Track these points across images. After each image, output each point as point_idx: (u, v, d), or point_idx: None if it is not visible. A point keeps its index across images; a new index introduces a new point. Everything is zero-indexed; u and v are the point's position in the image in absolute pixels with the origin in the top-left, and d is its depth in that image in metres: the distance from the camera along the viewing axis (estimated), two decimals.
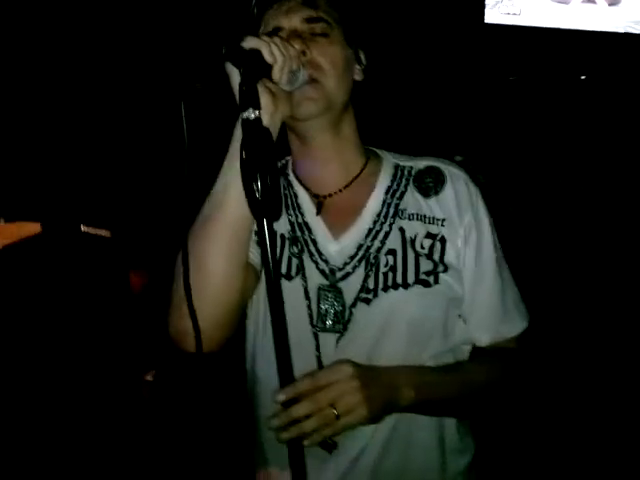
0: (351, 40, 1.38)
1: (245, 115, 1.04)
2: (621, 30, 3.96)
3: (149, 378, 3.63)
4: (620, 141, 3.91)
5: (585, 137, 3.91)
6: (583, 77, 3.92)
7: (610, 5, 3.95)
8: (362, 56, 1.42)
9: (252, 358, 1.40)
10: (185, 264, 1.13)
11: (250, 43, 1.11)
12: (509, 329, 1.40)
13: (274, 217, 1.04)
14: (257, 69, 1.08)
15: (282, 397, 1.09)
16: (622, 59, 3.90)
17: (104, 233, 3.51)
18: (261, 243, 1.04)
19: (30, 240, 3.15)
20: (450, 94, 3.90)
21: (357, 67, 1.41)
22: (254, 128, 1.03)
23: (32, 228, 3.32)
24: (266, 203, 1.01)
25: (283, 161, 1.50)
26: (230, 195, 1.18)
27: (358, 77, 1.41)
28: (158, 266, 3.72)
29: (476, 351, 1.40)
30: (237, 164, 1.07)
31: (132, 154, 3.73)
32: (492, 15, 3.89)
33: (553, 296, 3.22)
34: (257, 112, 1.04)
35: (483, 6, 3.83)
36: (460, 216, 1.35)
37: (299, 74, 1.19)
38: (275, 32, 1.31)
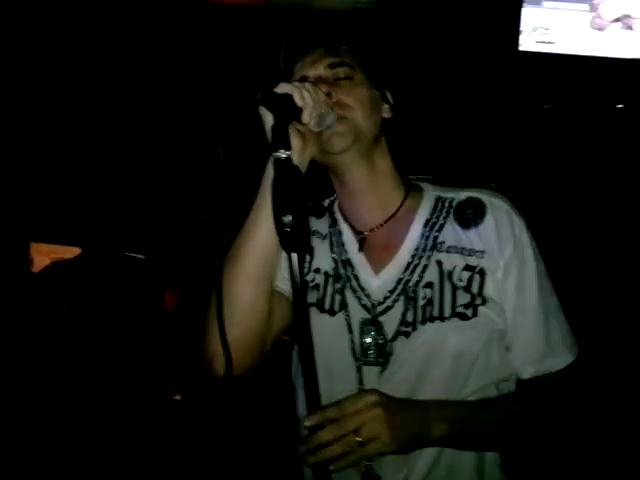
0: (375, 82, 1.43)
1: (277, 155, 1.11)
2: None
3: (178, 398, 3.68)
4: None
5: (621, 166, 3.87)
6: (620, 106, 3.89)
7: None
8: (389, 95, 1.47)
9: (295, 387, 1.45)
10: (218, 291, 1.20)
11: (283, 88, 1.18)
12: (553, 363, 1.37)
13: (303, 250, 1.10)
14: (289, 113, 1.16)
15: (309, 422, 1.14)
16: None
17: (139, 256, 3.61)
18: (290, 276, 1.09)
19: (70, 261, 3.25)
20: (485, 122, 3.91)
21: (385, 106, 1.45)
22: (285, 167, 1.11)
23: (73, 251, 3.42)
24: (295, 237, 1.07)
25: (332, 198, 1.56)
26: (260, 227, 1.28)
27: (387, 115, 1.45)
28: (190, 287, 3.79)
29: (520, 383, 1.39)
30: (268, 199, 1.15)
31: (168, 183, 3.84)
32: (527, 43, 3.90)
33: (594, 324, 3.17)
34: (288, 152, 1.12)
35: (518, 33, 3.83)
36: (501, 248, 1.34)
37: (327, 117, 1.25)
38: (302, 81, 1.36)
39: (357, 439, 1.14)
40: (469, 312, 1.31)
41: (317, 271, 1.45)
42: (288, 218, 1.06)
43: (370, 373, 1.33)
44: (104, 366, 2.97)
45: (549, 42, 3.82)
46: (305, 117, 1.20)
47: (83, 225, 3.30)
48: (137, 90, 3.86)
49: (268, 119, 1.18)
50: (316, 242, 1.48)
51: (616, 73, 3.83)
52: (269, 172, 1.21)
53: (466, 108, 3.84)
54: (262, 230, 1.28)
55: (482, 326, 1.32)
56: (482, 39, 3.81)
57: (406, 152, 1.53)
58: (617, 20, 3.92)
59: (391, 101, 1.46)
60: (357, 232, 1.45)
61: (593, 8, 3.86)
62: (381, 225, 1.43)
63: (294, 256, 1.09)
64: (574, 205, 3.92)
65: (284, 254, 1.28)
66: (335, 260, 1.44)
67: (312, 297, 1.42)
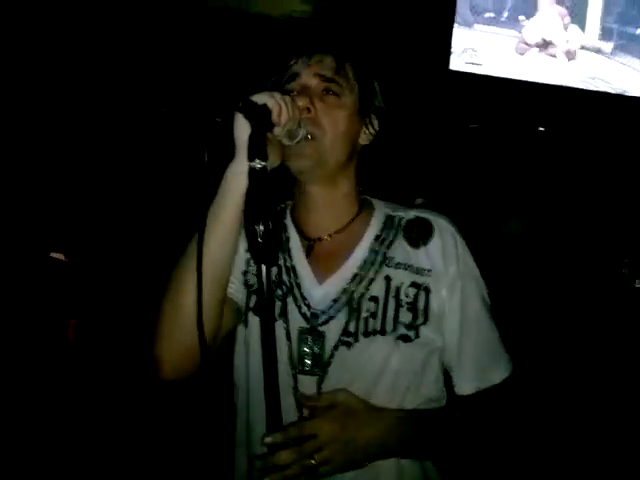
0: (365, 107, 1.41)
1: (253, 164, 1.09)
2: (578, 84, 4.13)
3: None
4: (573, 190, 4.05)
5: (540, 186, 4.04)
6: (541, 128, 4.06)
7: (569, 60, 4.12)
8: (375, 122, 1.44)
9: (243, 390, 1.42)
10: (199, 288, 1.18)
11: (263, 99, 1.16)
12: (492, 377, 1.41)
13: (273, 262, 1.10)
14: (266, 123, 1.14)
15: (269, 440, 1.15)
16: (579, 113, 4.05)
17: (60, 257, 3.46)
18: (259, 287, 1.11)
19: None
20: (413, 138, 3.97)
21: (366, 132, 1.43)
22: (260, 177, 1.09)
23: None
24: (267, 247, 1.07)
25: (282, 205, 1.54)
26: (215, 236, 1.25)
27: (365, 142, 1.44)
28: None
29: (458, 399, 1.41)
30: (227, 208, 1.21)
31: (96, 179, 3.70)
32: (457, 63, 4.00)
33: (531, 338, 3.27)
34: (264, 162, 1.09)
35: (449, 53, 3.93)
36: (446, 267, 1.39)
37: (298, 132, 1.24)
38: (292, 78, 1.36)
39: (312, 462, 1.17)
40: (411, 334, 1.34)
41: (259, 276, 1.43)
42: (261, 228, 1.05)
43: (306, 382, 1.34)
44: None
45: (478, 64, 3.94)
46: (277, 130, 1.19)
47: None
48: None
49: (241, 127, 1.16)
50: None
51: (540, 97, 3.98)
52: (231, 179, 1.21)
53: (395, 124, 3.89)
54: (219, 237, 1.25)
55: (423, 346, 1.35)
56: (414, 56, 3.87)
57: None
58: (540, 46, 4.09)
59: (375, 128, 1.45)
60: (305, 238, 1.45)
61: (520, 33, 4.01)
62: (330, 235, 1.44)
63: (263, 267, 1.09)
64: (493, 218, 4.05)
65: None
66: (279, 266, 1.42)
67: (252, 302, 1.41)
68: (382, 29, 3.77)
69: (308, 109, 1.31)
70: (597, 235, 3.91)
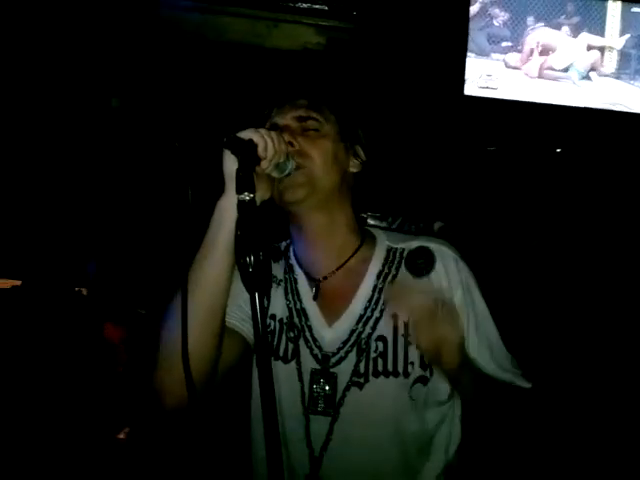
0: (346, 136, 1.46)
1: (241, 197, 1.14)
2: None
3: (122, 436, 3.58)
4: (593, 211, 4.04)
5: (559, 207, 4.03)
6: (558, 150, 4.06)
7: (588, 85, 4.10)
8: (360, 151, 1.49)
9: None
10: (184, 327, 1.18)
11: (248, 135, 1.23)
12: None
13: (265, 291, 1.12)
14: (252, 158, 1.20)
15: None
16: (596, 133, 4.05)
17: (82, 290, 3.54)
18: (252, 316, 1.11)
19: (8, 293, 3.15)
20: (431, 162, 4.01)
21: (353, 161, 1.48)
22: (249, 209, 1.14)
23: (12, 284, 3.32)
24: (258, 277, 1.09)
25: (288, 241, 1.58)
26: (211, 266, 1.30)
27: (355, 169, 1.48)
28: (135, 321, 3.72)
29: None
30: (220, 239, 1.25)
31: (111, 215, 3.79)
32: (471, 88, 4.03)
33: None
34: (251, 195, 1.14)
35: (463, 80, 3.96)
36: (450, 294, 1.41)
37: (287, 165, 1.31)
38: (273, 129, 1.40)
39: None
40: (427, 373, 1.38)
41: (272, 317, 1.48)
42: (251, 258, 1.08)
43: (318, 422, 1.37)
44: (38, 403, 2.89)
45: (492, 88, 3.97)
46: (264, 164, 1.25)
47: (25, 258, 3.22)
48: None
49: (229, 162, 1.23)
50: (272, 286, 1.49)
51: (556, 119, 3.99)
52: (223, 212, 1.27)
53: (413, 150, 3.93)
54: (213, 268, 1.29)
55: (441, 379, 1.38)
56: (429, 83, 3.92)
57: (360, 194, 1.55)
58: (558, 71, 4.09)
59: (362, 156, 1.49)
60: (311, 279, 1.48)
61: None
62: (334, 272, 1.46)
63: (256, 296, 1.10)
64: (515, 242, 4.04)
65: (234, 289, 1.34)
66: (290, 308, 1.46)
67: None
68: (393, 57, 3.83)
69: (291, 143, 1.37)
70: (614, 256, 3.89)
